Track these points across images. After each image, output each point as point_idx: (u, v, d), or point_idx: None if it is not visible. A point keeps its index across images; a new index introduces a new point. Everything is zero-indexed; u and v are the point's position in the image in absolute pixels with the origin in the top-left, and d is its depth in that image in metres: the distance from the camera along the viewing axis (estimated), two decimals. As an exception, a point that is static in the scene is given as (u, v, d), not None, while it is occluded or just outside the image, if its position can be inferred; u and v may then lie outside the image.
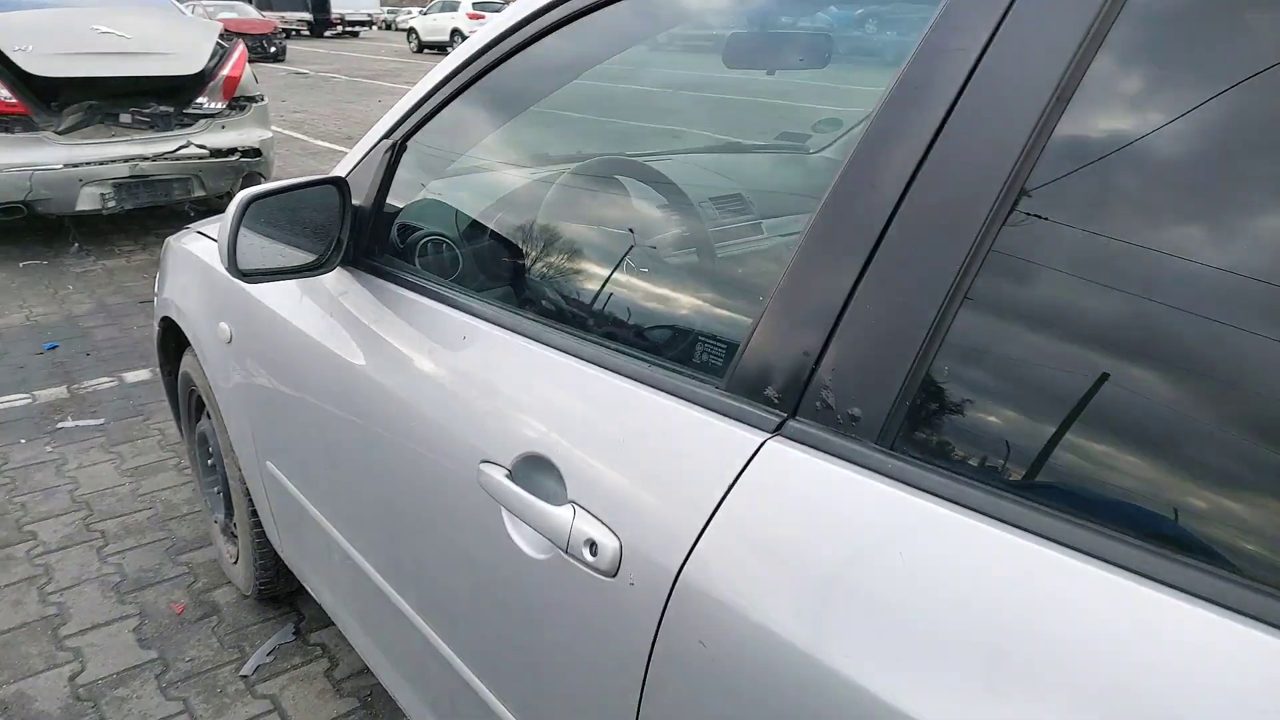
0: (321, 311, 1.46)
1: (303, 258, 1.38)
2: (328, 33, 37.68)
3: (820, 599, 0.70)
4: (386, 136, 1.43)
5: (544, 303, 1.32)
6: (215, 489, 2.31)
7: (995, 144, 0.68)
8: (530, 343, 1.09)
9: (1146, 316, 0.62)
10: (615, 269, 1.28)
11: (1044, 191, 0.67)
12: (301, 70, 19.45)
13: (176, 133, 5.43)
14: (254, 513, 1.99)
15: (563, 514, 0.93)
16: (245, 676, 2.03)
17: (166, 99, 5.46)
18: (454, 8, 26.77)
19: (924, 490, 0.68)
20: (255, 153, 5.67)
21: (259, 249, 1.34)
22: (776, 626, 0.71)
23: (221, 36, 5.78)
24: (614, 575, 0.87)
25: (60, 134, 5.09)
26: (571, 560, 0.91)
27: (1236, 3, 0.63)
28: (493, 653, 1.11)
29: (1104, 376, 0.63)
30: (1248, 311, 0.58)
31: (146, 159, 5.24)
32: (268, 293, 1.61)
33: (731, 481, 0.79)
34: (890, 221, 0.73)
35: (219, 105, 5.62)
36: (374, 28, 40.64)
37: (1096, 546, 0.59)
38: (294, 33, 33.69)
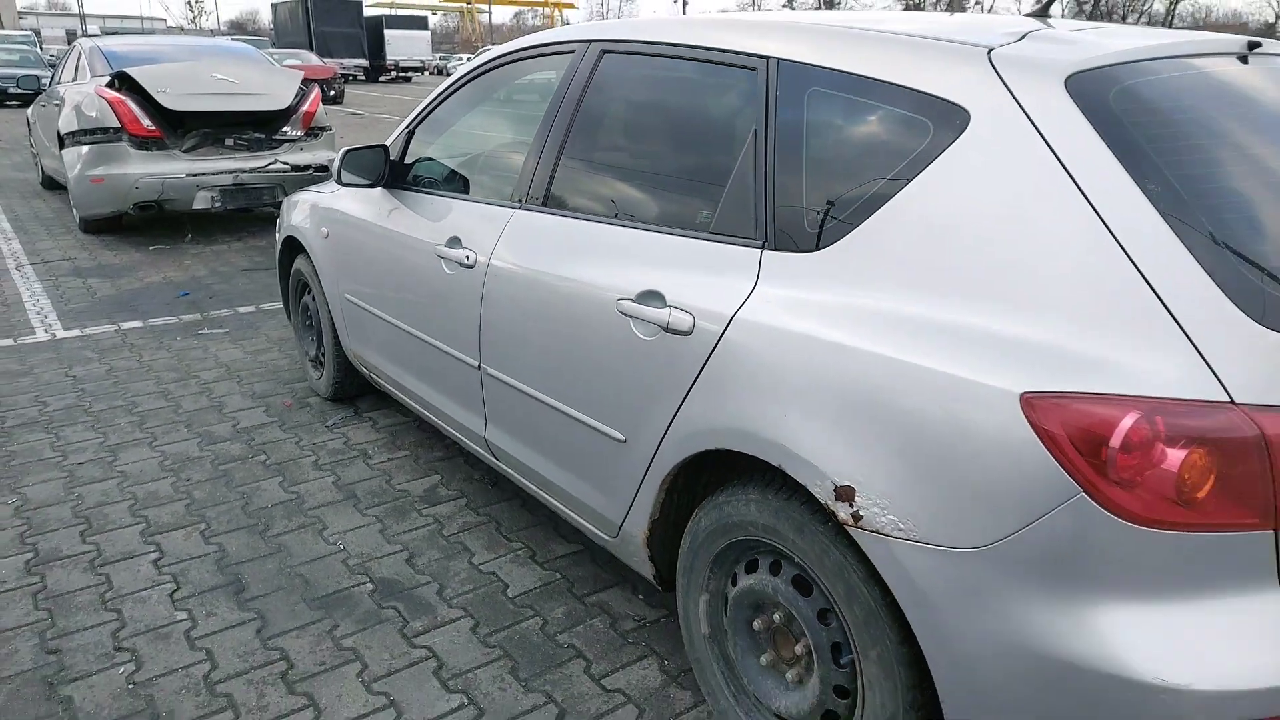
0: (373, 208, 3.14)
1: (366, 180, 3.06)
2: (383, 78, 40.05)
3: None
4: (406, 127, 3.12)
5: (460, 189, 2.98)
6: (309, 337, 4.00)
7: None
8: (456, 201, 2.75)
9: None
10: (487, 175, 2.94)
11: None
12: (357, 111, 21.62)
13: (267, 153, 7.22)
14: (335, 339, 3.66)
15: (460, 251, 2.57)
16: (329, 426, 3.70)
17: (261, 127, 7.27)
18: (498, 55, 28.84)
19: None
20: (325, 169, 7.43)
21: (347, 175, 3.02)
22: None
23: (302, 83, 7.60)
24: (466, 261, 2.51)
25: (184, 152, 6.90)
26: (447, 259, 2.56)
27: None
28: (411, 313, 2.75)
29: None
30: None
31: (245, 171, 7.03)
32: (347, 204, 3.30)
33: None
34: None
35: (299, 133, 7.43)
36: (425, 73, 43.02)
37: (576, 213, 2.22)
38: (351, 77, 36.12)
